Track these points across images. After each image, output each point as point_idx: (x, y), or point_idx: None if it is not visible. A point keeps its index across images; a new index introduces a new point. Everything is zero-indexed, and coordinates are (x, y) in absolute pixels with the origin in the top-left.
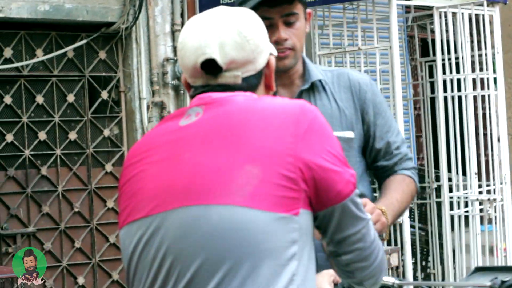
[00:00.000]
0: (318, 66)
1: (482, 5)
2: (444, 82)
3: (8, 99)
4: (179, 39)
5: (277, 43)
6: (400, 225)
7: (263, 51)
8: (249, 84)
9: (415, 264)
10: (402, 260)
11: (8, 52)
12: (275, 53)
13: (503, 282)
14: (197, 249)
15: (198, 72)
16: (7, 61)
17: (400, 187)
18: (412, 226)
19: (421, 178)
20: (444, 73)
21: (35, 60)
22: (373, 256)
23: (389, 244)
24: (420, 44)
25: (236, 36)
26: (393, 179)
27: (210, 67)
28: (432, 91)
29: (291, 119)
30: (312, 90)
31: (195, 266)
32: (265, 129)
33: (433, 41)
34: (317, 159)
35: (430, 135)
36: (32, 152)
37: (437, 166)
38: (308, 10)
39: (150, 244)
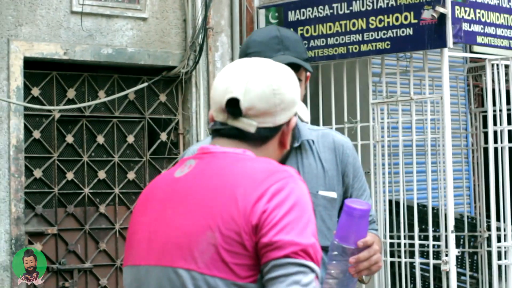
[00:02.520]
0: (305, 125)
1: None
2: (497, 132)
3: (70, 138)
4: (215, 79)
5: None
6: (447, 273)
7: (287, 109)
8: (261, 136)
9: None
10: None
11: (71, 93)
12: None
13: None
14: None
15: (222, 108)
16: (70, 101)
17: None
18: (463, 274)
19: (474, 227)
20: (495, 124)
21: (97, 101)
22: None
23: None
24: (480, 94)
25: (265, 87)
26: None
27: (232, 107)
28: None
29: (254, 186)
30: (300, 148)
31: None
32: (230, 195)
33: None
34: (265, 229)
35: (483, 184)
36: (91, 190)
37: (489, 215)
38: (307, 73)
39: None
